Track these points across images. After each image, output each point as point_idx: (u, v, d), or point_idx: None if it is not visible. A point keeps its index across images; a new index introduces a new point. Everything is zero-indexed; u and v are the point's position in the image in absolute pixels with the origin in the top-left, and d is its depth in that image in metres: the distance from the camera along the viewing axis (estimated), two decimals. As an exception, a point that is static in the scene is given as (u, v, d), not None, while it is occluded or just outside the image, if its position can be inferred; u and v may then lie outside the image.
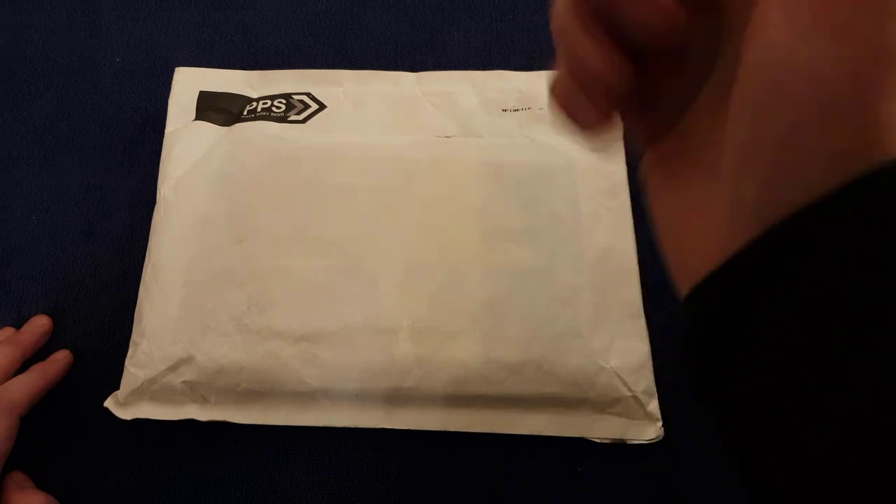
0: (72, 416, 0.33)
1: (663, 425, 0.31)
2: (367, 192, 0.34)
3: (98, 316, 0.34)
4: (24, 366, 0.32)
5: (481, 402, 0.31)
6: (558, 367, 0.31)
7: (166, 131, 0.37)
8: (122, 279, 0.35)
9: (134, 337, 0.32)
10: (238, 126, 0.36)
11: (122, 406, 0.31)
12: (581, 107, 0.15)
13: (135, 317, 0.33)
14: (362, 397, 0.31)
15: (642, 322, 0.32)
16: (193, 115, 0.37)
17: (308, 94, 0.37)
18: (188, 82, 0.38)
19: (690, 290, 0.15)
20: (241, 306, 0.32)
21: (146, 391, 0.31)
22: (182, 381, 0.31)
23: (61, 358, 0.33)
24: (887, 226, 0.11)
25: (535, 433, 0.31)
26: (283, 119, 0.36)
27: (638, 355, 0.31)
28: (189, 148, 0.36)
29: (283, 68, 0.39)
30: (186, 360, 0.31)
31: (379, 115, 0.37)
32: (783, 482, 0.13)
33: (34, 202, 0.37)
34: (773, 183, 0.13)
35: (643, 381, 0.31)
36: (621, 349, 0.31)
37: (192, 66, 0.39)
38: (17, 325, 0.34)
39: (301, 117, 0.37)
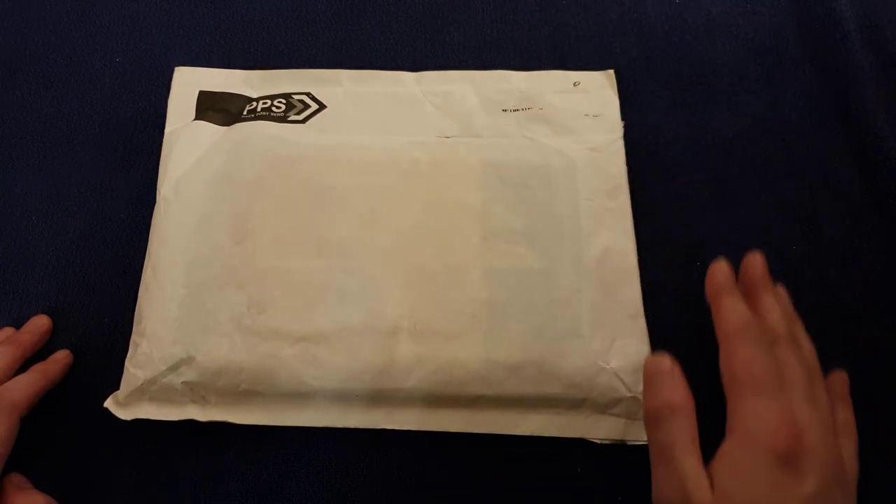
0: (72, 416, 0.33)
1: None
2: (368, 192, 0.34)
3: (98, 316, 0.34)
4: (24, 366, 0.32)
5: (482, 402, 0.31)
6: (558, 367, 0.31)
7: (166, 131, 0.37)
8: (122, 279, 0.35)
9: (134, 337, 0.32)
10: (238, 126, 0.36)
11: (122, 406, 0.31)
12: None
13: (135, 317, 0.33)
14: (362, 398, 0.31)
15: (642, 322, 0.32)
16: (193, 115, 0.37)
17: (308, 94, 0.37)
18: (188, 82, 0.38)
19: None
20: (241, 307, 0.32)
21: (146, 391, 0.31)
22: (182, 382, 0.31)
23: (61, 358, 0.33)
24: None
25: (535, 434, 0.31)
26: (282, 119, 0.36)
27: (638, 356, 0.31)
28: (189, 148, 0.36)
29: (282, 68, 0.39)
30: (186, 361, 0.31)
31: (379, 115, 0.37)
32: None
33: (34, 202, 0.37)
34: None
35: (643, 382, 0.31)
36: (621, 350, 0.31)
37: (191, 65, 0.39)
38: (17, 325, 0.34)
39: (301, 117, 0.37)
